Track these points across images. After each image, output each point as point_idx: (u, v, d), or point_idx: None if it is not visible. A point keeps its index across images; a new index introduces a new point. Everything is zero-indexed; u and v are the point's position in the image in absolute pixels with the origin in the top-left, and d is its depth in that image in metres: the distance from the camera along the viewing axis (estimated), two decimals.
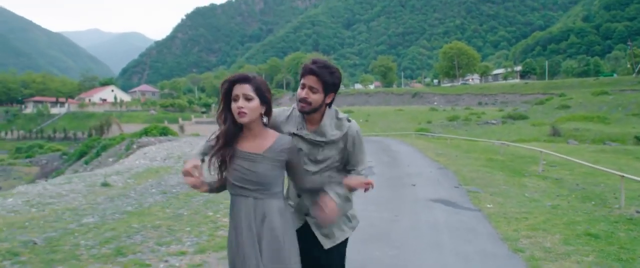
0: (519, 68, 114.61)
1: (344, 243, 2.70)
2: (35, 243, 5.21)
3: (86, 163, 34.17)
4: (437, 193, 9.55)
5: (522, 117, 51.25)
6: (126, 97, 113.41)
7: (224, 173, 2.41)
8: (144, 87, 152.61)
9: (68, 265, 4.55)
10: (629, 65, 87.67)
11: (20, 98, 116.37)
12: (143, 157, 18.94)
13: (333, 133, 2.54)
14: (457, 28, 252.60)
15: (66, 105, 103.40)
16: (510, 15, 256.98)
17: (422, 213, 7.50)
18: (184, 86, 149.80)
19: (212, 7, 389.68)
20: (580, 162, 13.27)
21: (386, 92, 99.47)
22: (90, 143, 45.72)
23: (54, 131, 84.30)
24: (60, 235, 5.61)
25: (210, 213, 7.10)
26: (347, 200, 2.64)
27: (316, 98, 2.48)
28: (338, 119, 2.58)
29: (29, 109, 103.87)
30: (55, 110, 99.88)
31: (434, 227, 6.57)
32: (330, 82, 2.48)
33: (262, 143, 2.39)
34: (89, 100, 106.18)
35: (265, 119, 2.43)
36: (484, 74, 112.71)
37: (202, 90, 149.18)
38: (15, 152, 63.41)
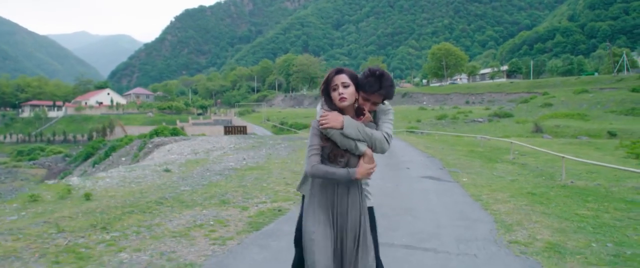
0: (505, 67, 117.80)
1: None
2: (167, 198, 8.03)
3: (96, 163, 35.86)
4: (426, 172, 12.47)
5: (507, 115, 53.86)
6: (121, 100, 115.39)
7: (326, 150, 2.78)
8: (138, 89, 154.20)
9: (199, 207, 7.37)
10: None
11: (15, 102, 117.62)
12: (169, 153, 21.52)
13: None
14: (446, 28, 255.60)
15: (63, 108, 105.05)
16: (498, 14, 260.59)
17: (415, 184, 10.42)
18: (176, 88, 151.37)
19: (201, 8, 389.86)
20: (544, 150, 16.27)
21: None
22: (96, 144, 47.53)
23: (54, 134, 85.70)
24: (177, 195, 8.44)
25: (265, 185, 9.95)
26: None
27: (374, 109, 3.02)
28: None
29: (26, 113, 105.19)
30: (52, 114, 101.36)
31: (424, 190, 9.50)
32: (388, 98, 3.00)
33: None
34: (86, 103, 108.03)
35: (356, 104, 2.84)
36: (471, 73, 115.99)
37: (195, 92, 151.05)
38: (17, 155, 64.40)
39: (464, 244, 5.40)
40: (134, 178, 11.36)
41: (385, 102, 3.00)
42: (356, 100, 2.83)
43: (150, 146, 29.29)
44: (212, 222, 6.29)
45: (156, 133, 36.71)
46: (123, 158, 31.18)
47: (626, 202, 8.22)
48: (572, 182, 10.98)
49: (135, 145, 33.09)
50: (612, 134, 35.02)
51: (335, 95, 2.76)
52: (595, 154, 19.38)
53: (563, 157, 11.93)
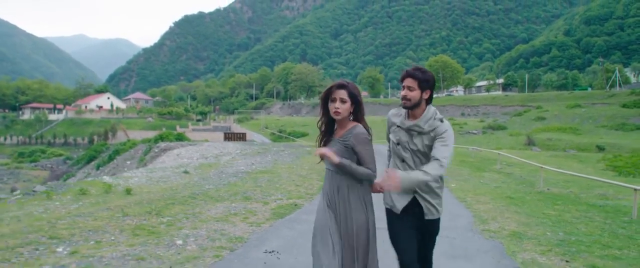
0: (501, 80, 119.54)
1: (438, 221, 3.45)
2: (197, 194, 9.42)
3: (100, 166, 36.53)
4: None
5: (501, 128, 54.95)
6: (121, 105, 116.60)
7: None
8: (138, 94, 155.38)
9: (227, 201, 8.76)
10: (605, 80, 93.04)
11: (16, 104, 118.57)
12: (179, 158, 22.86)
13: (426, 125, 3.10)
14: (443, 39, 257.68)
15: (64, 111, 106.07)
16: (495, 28, 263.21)
17: None
18: (174, 94, 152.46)
19: (201, 15, 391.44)
20: (528, 161, 17.73)
21: (374, 102, 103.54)
22: (98, 148, 48.62)
23: (54, 137, 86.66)
24: (204, 192, 9.83)
25: (278, 185, 11.34)
26: (431, 190, 3.31)
27: (414, 95, 3.07)
28: (434, 118, 3.12)
29: (27, 115, 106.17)
30: (53, 117, 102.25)
31: None
32: (422, 79, 3.05)
33: (341, 132, 3.05)
34: (86, 106, 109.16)
35: (351, 116, 3.02)
36: (467, 86, 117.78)
37: (193, 98, 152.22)
38: (18, 157, 65.13)
39: (446, 231, 6.80)
40: (159, 178, 12.73)
41: (444, 120, 3.14)
42: (350, 113, 3.04)
43: (156, 150, 29.50)
44: (243, 212, 7.72)
45: (161, 138, 37.26)
46: (128, 162, 31.91)
47: (588, 205, 9.69)
48: (548, 189, 12.44)
49: (140, 149, 33.61)
50: (600, 148, 36.12)
51: (332, 106, 2.99)
52: (577, 166, 20.90)
53: (542, 167, 13.39)
